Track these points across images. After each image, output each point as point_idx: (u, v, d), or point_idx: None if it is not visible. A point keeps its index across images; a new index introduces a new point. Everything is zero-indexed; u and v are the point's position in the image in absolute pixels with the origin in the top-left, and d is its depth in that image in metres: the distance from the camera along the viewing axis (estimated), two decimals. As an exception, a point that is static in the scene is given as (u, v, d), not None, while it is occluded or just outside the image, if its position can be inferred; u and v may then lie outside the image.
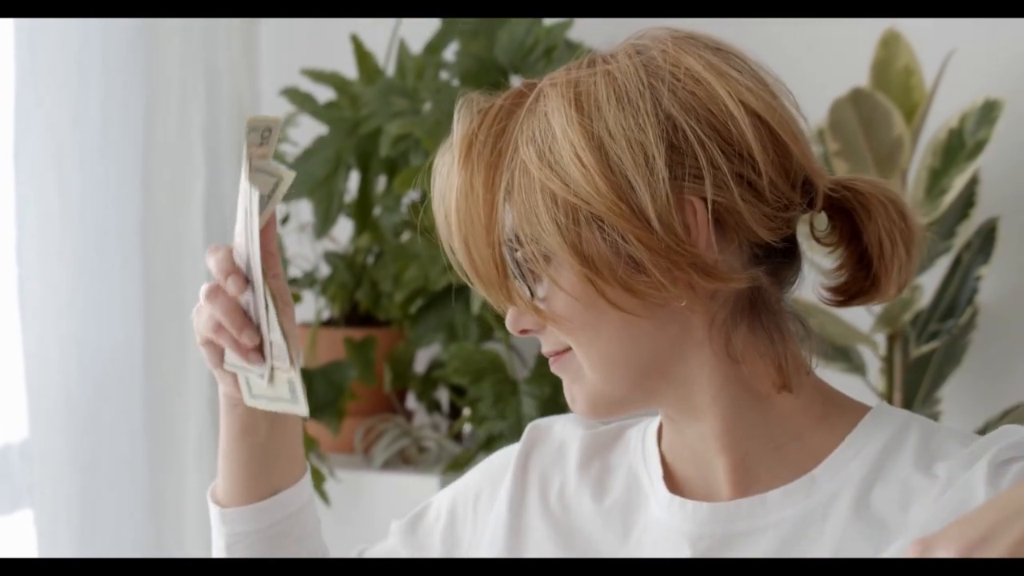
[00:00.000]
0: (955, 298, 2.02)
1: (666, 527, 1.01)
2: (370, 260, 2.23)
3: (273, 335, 0.99)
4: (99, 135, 1.92)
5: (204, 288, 1.02)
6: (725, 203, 0.93)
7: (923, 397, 2.02)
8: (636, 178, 0.92)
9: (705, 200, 0.93)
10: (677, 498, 1.01)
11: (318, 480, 2.08)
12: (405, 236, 2.20)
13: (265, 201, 1.00)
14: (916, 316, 2.04)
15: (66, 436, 1.90)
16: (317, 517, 1.15)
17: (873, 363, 2.08)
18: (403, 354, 2.20)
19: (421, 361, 2.30)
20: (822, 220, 1.00)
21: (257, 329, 1.00)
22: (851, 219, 0.99)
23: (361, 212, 2.16)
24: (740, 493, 0.99)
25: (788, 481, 0.98)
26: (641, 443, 1.06)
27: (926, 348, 2.02)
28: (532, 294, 0.97)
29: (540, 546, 1.05)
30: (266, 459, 1.09)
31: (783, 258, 0.98)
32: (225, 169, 2.17)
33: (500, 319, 2.11)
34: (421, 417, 2.30)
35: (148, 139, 2.00)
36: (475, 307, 2.07)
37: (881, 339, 2.05)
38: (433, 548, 1.11)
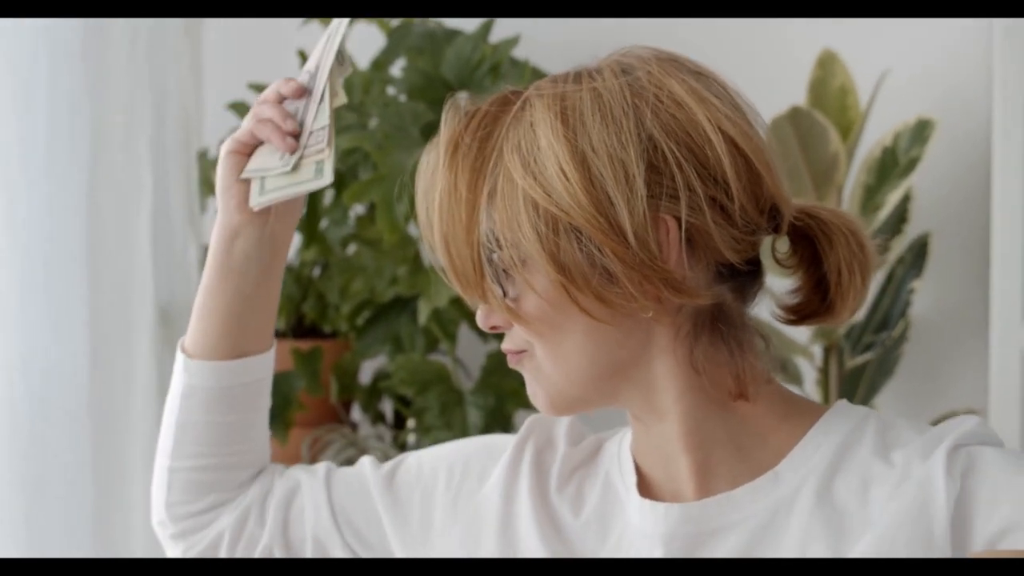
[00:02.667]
0: (889, 311, 2.08)
1: (639, 531, 1.04)
2: (316, 272, 2.25)
3: (320, 121, 1.08)
4: (45, 153, 1.92)
5: (257, 100, 1.11)
6: (697, 224, 0.97)
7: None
8: (616, 194, 0.96)
9: (679, 220, 0.97)
10: (648, 501, 1.04)
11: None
12: (351, 249, 2.22)
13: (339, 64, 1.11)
14: (851, 328, 2.09)
15: (11, 453, 1.90)
16: (269, 401, 1.17)
17: (810, 374, 2.13)
18: (349, 365, 2.22)
19: (366, 373, 2.32)
20: (784, 243, 1.04)
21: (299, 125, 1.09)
22: (812, 246, 1.03)
23: (309, 225, 2.18)
24: (703, 492, 1.03)
25: (752, 478, 1.02)
26: (617, 452, 1.09)
27: (860, 359, 2.07)
28: (504, 294, 1.00)
29: (527, 541, 1.08)
30: (242, 316, 1.12)
31: (746, 277, 1.02)
32: (172, 187, 2.18)
33: (447, 331, 2.14)
34: (365, 428, 2.32)
35: (94, 157, 2.00)
36: (422, 319, 2.10)
37: (817, 350, 2.10)
38: (412, 508, 1.13)
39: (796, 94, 2.08)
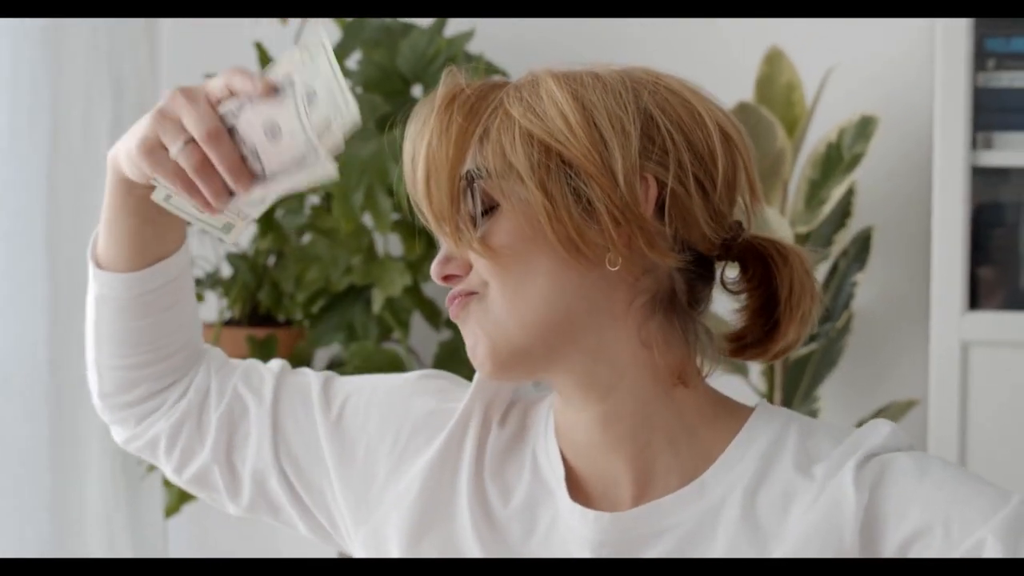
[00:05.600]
0: (832, 303, 2.12)
1: (567, 528, 1.05)
2: (271, 261, 2.27)
3: (262, 197, 1.01)
4: (7, 139, 1.94)
5: (204, 130, 0.99)
6: (678, 193, 1.00)
7: (802, 396, 2.12)
8: (611, 139, 0.99)
9: (660, 183, 1.00)
10: (578, 507, 1.04)
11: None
12: (306, 238, 2.25)
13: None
14: (796, 320, 2.13)
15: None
16: (192, 284, 1.15)
17: (755, 365, 2.17)
18: (303, 353, 2.24)
19: (319, 361, 2.34)
20: (734, 269, 1.06)
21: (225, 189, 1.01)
22: (765, 263, 1.05)
23: (265, 214, 2.20)
24: (639, 494, 1.04)
25: (681, 485, 1.03)
26: (544, 431, 1.09)
27: (805, 350, 2.12)
28: (475, 226, 1.00)
29: (460, 521, 1.07)
30: (149, 235, 1.09)
31: (703, 271, 1.04)
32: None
33: (400, 320, 2.17)
34: (319, 416, 2.34)
35: (54, 143, 2.02)
36: (375, 308, 2.12)
37: (763, 341, 2.14)
38: (356, 456, 1.11)
39: (743, 90, 2.12)
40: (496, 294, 1.01)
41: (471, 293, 1.02)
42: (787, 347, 1.05)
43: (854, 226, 2.13)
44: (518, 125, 1.00)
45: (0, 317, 1.95)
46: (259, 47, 2.23)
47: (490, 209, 1.00)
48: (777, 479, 1.02)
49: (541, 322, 1.01)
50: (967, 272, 2.03)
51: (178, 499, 2.10)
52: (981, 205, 2.07)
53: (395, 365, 2.12)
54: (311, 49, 1.00)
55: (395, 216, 2.08)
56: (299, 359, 2.23)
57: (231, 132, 1.01)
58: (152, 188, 1.05)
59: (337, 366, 2.25)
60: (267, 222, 2.21)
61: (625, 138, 0.99)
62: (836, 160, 2.06)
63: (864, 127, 2.05)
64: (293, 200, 2.20)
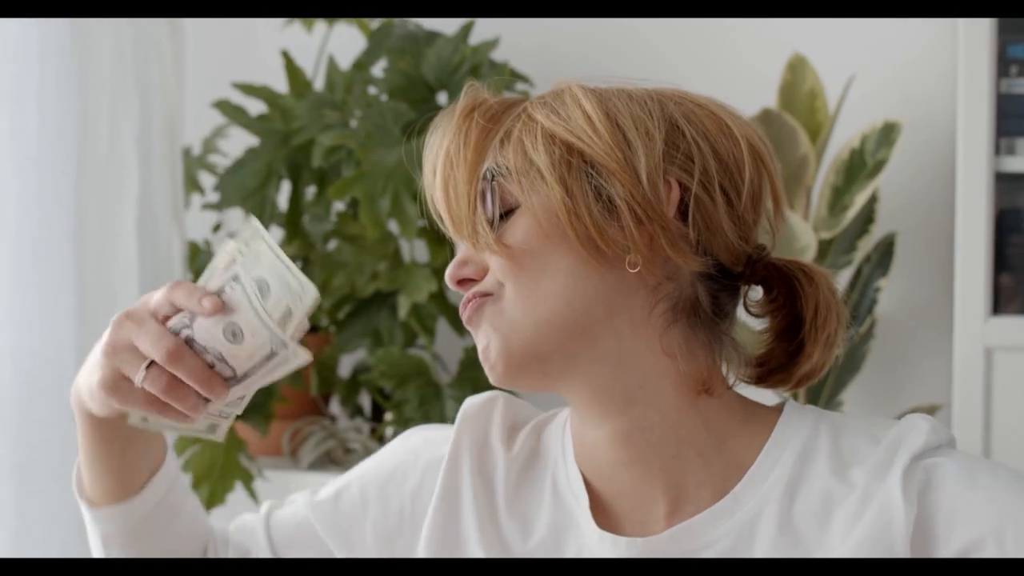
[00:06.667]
0: (856, 308, 2.13)
1: (598, 555, 1.02)
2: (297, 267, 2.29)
3: (239, 392, 0.96)
4: (35, 147, 1.96)
5: (163, 351, 0.94)
6: (702, 199, 0.99)
7: (825, 401, 2.12)
8: (635, 139, 0.98)
9: (684, 187, 0.99)
10: (608, 535, 1.01)
11: (247, 479, 2.14)
12: (332, 244, 2.26)
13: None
14: (819, 325, 2.13)
15: (1, 441, 1.94)
16: (185, 485, 1.12)
17: (779, 369, 2.17)
18: (328, 359, 2.26)
19: (344, 367, 2.36)
20: (756, 291, 1.04)
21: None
22: (790, 285, 1.03)
23: (291, 221, 2.22)
24: (672, 511, 1.01)
25: (713, 500, 1.00)
26: (562, 452, 1.06)
27: (828, 355, 2.12)
28: (492, 226, 0.99)
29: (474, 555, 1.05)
30: (132, 458, 1.07)
31: (727, 283, 1.02)
32: (156, 181, 2.22)
33: (425, 326, 2.19)
34: (343, 421, 2.36)
35: (81, 151, 2.04)
36: (401, 314, 2.14)
37: (786, 347, 2.15)
38: (363, 540, 1.10)
39: (767, 97, 2.13)
40: (511, 294, 0.99)
41: (486, 295, 1.00)
42: (812, 372, 1.03)
43: (877, 232, 2.13)
44: (541, 126, 0.99)
45: (27, 324, 1.97)
46: (285, 55, 2.24)
47: (509, 212, 0.99)
48: (813, 487, 1.00)
49: (557, 324, 0.98)
50: (990, 277, 2.03)
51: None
52: (1004, 211, 2.07)
53: (421, 371, 2.13)
54: (247, 238, 0.94)
55: (421, 222, 2.09)
56: (325, 365, 2.25)
57: (189, 343, 0.95)
58: (124, 416, 1.00)
59: (363, 372, 2.27)
60: (293, 229, 2.23)
61: (649, 140, 0.98)
62: (859, 166, 2.06)
63: (887, 133, 2.06)
64: (319, 207, 2.21)
